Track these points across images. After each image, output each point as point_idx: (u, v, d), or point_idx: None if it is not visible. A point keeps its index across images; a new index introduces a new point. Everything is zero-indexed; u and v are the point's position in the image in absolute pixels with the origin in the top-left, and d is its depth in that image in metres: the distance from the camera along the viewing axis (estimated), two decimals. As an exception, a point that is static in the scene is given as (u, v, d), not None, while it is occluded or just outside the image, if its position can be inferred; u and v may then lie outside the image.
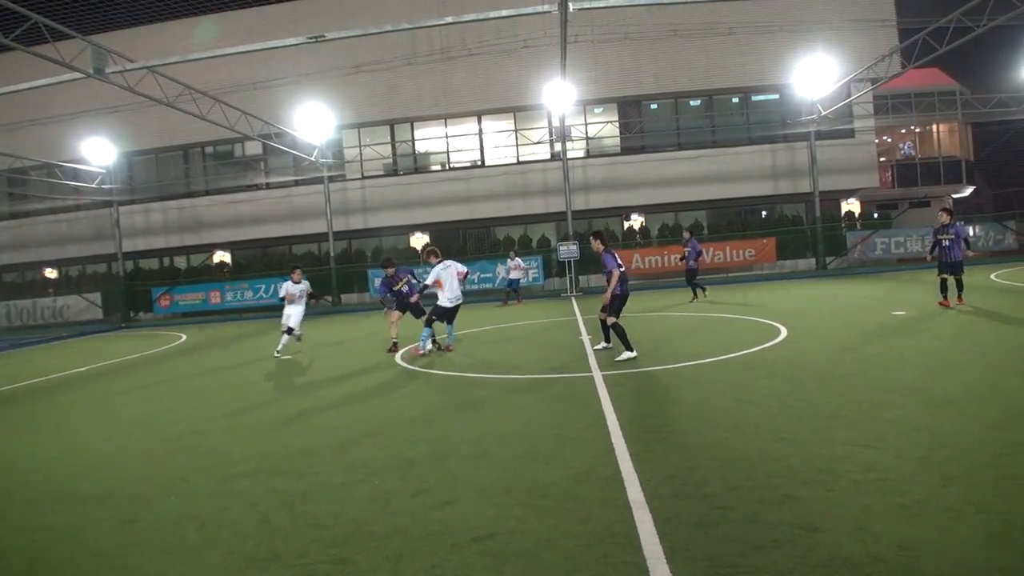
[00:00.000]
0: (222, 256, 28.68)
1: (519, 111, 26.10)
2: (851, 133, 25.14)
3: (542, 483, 4.44)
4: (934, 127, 32.07)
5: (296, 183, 27.26)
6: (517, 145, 26.50)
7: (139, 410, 8.37)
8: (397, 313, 11.55)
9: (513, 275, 20.55)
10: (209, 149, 28.82)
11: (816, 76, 21.32)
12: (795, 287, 19.03)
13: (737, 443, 4.97)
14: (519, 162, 26.36)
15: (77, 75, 15.02)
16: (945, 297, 11.82)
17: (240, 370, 11.27)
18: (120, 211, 28.63)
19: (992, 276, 17.61)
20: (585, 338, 11.39)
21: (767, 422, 5.48)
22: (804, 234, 24.44)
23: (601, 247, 9.52)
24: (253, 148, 27.99)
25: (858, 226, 25.35)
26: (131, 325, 26.02)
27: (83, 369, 13.18)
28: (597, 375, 7.93)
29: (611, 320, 9.16)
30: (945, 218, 12.05)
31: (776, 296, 16.64)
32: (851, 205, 26.53)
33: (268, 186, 28.03)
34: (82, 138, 25.06)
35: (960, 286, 11.86)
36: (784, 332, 10.27)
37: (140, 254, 29.37)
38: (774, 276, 23.13)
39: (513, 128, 26.54)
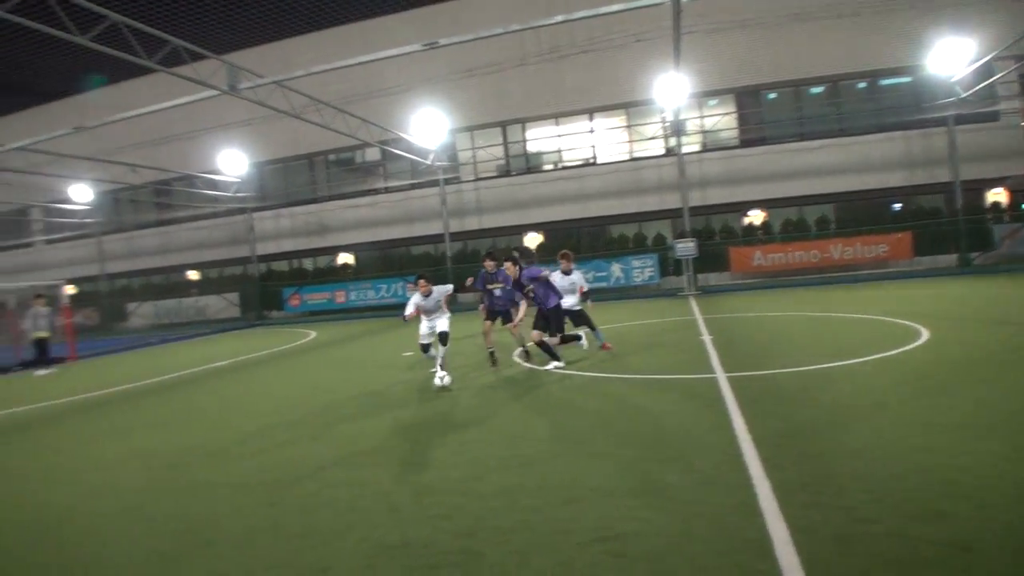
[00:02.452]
0: (345, 258, 30.00)
1: (631, 107, 25.71)
2: (996, 116, 23.11)
3: (668, 486, 4.35)
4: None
5: (413, 186, 28.15)
6: (630, 141, 26.14)
7: (274, 402, 8.80)
8: (488, 323, 10.30)
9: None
10: (332, 156, 30.23)
11: (953, 55, 19.74)
12: (935, 285, 17.76)
13: (877, 452, 4.68)
14: (632, 159, 25.98)
15: (213, 92, 16.10)
16: None
17: (368, 364, 11.71)
18: (253, 217, 30.66)
19: None
20: (706, 338, 11.07)
21: (910, 430, 5.14)
22: (944, 228, 22.71)
23: (515, 268, 9.73)
24: (372, 154, 29.13)
25: (1006, 218, 23.30)
26: (265, 323, 27.77)
27: (224, 363, 14.15)
28: (721, 376, 7.69)
29: (552, 340, 9.35)
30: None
31: (914, 295, 15.60)
32: (998, 195, 24.43)
33: (387, 190, 29.08)
34: (218, 150, 26.97)
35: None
36: (925, 334, 9.59)
37: (271, 257, 31.28)
38: (910, 274, 21.64)
39: (625, 124, 26.20)
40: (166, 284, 33.67)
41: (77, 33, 11.95)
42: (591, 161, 26.53)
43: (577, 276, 10.55)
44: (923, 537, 3.34)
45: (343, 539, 3.99)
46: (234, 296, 30.41)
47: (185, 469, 5.92)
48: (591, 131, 26.46)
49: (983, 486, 3.92)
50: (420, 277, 9.43)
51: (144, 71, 15.15)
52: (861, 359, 8.10)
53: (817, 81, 24.65)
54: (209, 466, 5.96)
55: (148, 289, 33.84)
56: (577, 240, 26.45)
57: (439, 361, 8.87)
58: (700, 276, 23.17)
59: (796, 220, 24.24)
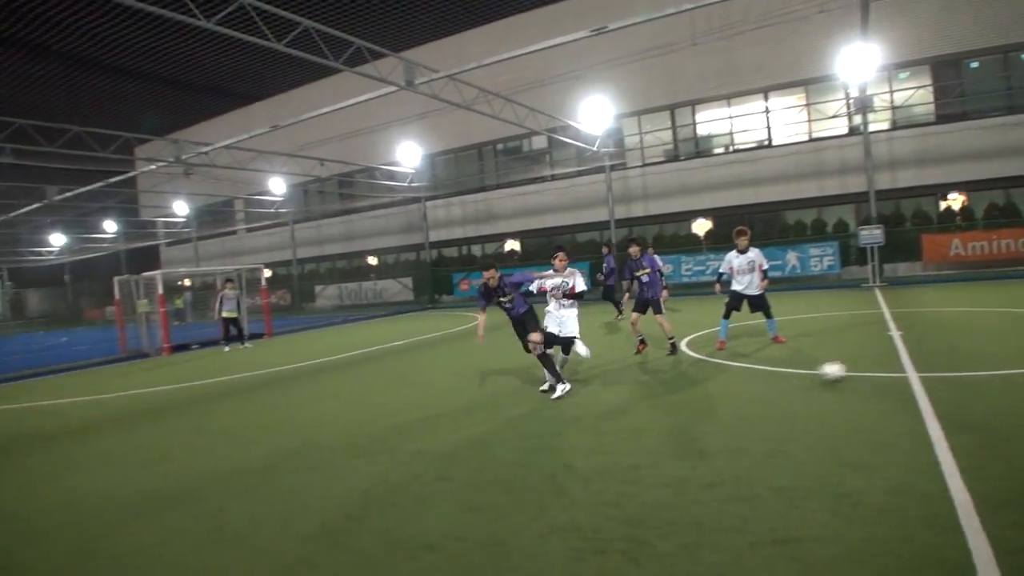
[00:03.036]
0: (512, 244, 30.85)
1: (811, 84, 24.17)
2: None
3: (851, 491, 4.11)
4: None
5: (579, 173, 28.32)
6: (809, 121, 24.67)
7: (448, 380, 9.26)
8: (636, 313, 10.18)
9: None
10: (500, 146, 31.09)
11: None
12: None
13: None
14: (811, 139, 24.49)
15: (392, 88, 17.10)
16: None
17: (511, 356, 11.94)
18: (426, 205, 32.30)
19: None
20: (895, 334, 10.28)
21: None
22: None
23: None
24: (539, 143, 29.63)
25: None
26: (437, 306, 29.26)
27: (402, 342, 15.10)
28: (913, 376, 7.11)
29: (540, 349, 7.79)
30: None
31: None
32: None
33: (553, 177, 29.48)
34: (395, 143, 28.57)
35: None
36: None
37: (443, 243, 32.85)
38: None
39: (804, 103, 24.75)
40: (349, 268, 36.38)
41: (274, 40, 13.18)
42: (765, 143, 25.34)
43: (755, 254, 9.99)
44: None
45: (512, 518, 4.15)
46: (408, 280, 32.33)
47: (367, 436, 6.39)
48: (766, 111, 25.26)
49: None
50: (559, 249, 8.32)
51: (330, 71, 16.50)
52: None
53: (1030, 46, 21.93)
54: (396, 437, 6.39)
55: (333, 273, 36.82)
56: (749, 226, 25.40)
57: (558, 367, 7.89)
58: (887, 266, 21.51)
59: (1003, 204, 21.74)
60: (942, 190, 22.69)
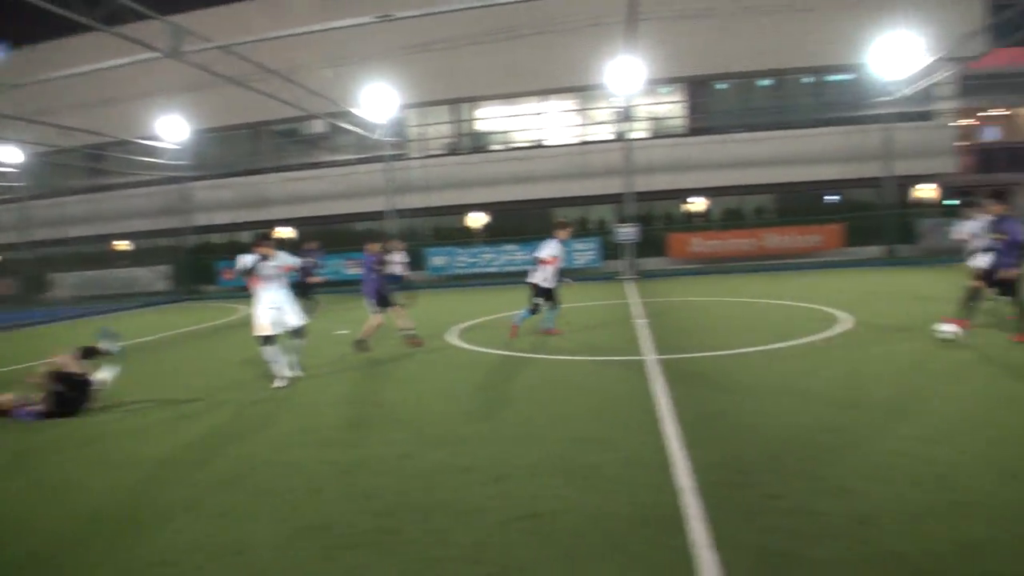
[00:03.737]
0: (285, 232, 29.30)
1: (583, 91, 25.76)
2: (929, 116, 23.95)
3: (592, 465, 4.44)
4: (1022, 111, 30.28)
5: (358, 161, 27.64)
6: (580, 125, 26.21)
7: (199, 379, 8.57)
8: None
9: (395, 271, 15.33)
10: (276, 127, 29.50)
11: (896, 55, 20.30)
12: (863, 275, 18.29)
13: (791, 433, 4.88)
14: (581, 142, 26.07)
15: (155, 54, 15.48)
16: None
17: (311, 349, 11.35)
18: (190, 186, 29.67)
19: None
20: (641, 321, 11.21)
21: (823, 412, 5.36)
22: (874, 220, 23.42)
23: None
24: (319, 127, 28.52)
25: (933, 213, 24.18)
26: (196, 297, 26.88)
27: (152, 337, 13.66)
28: (651, 359, 7.82)
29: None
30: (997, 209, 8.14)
31: (842, 284, 16.03)
32: (927, 191, 25.32)
33: (332, 164, 28.51)
34: (157, 116, 25.90)
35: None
36: (847, 321, 9.88)
37: (208, 228, 30.33)
38: (841, 263, 22.25)
39: (576, 108, 26.25)
40: (95, 254, 32.30)
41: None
42: (540, 143, 26.51)
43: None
44: (827, 512, 3.51)
45: (262, 519, 3.94)
46: (166, 268, 29.33)
47: (106, 447, 5.80)
48: (542, 113, 26.43)
49: (887, 464, 4.13)
50: (263, 237, 7.74)
51: (83, 28, 14.42)
52: (786, 343, 8.36)
53: (765, 74, 25.17)
54: (130, 444, 5.85)
55: (74, 259, 32.36)
56: (522, 221, 26.43)
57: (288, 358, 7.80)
58: (640, 261, 23.39)
59: (735, 208, 24.71)
60: (687, 194, 25.20)
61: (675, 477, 4.09)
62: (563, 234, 10.01)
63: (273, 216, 28.97)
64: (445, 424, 5.69)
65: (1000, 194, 8.17)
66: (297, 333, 7.85)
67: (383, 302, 9.80)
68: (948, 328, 7.75)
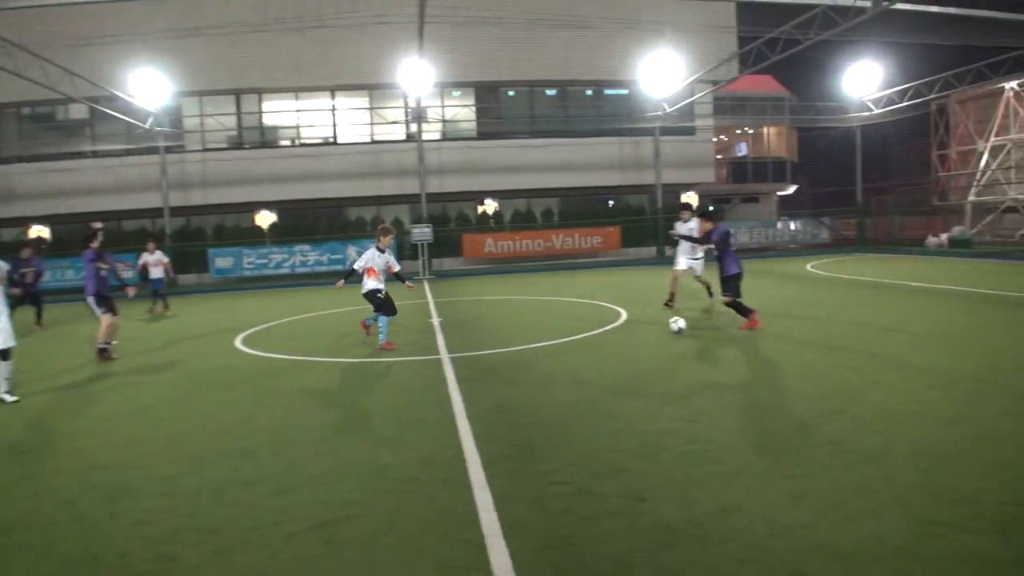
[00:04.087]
0: (39, 231, 25.92)
1: (375, 89, 25.45)
2: (692, 131, 26.67)
3: (384, 467, 4.42)
4: (765, 130, 34.71)
5: (127, 152, 25.03)
6: (372, 124, 25.89)
7: None
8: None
9: (154, 273, 15.57)
10: (26, 110, 25.88)
11: (663, 74, 22.35)
12: (637, 274, 19.96)
13: (574, 421, 5.19)
14: (373, 141, 25.76)
15: None
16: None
17: (66, 356, 10.22)
18: (-87, 175, 25.22)
19: (808, 267, 19.33)
20: (436, 321, 11.39)
21: (603, 400, 5.77)
22: (647, 224, 25.66)
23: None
24: (78, 112, 25.44)
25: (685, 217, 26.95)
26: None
27: None
28: (445, 357, 7.98)
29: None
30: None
31: (618, 282, 17.37)
32: (689, 198, 28.20)
33: (95, 154, 25.56)
34: None
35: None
36: (624, 315, 10.75)
37: (-64, 225, 25.97)
38: (618, 263, 24.12)
39: (368, 107, 25.91)
40: None
41: None
42: (331, 140, 25.84)
43: (389, 253, 9.16)
44: (606, 492, 3.78)
45: (12, 560, 3.44)
46: None
47: None
48: (332, 109, 25.77)
49: (658, 444, 4.55)
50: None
51: None
52: (570, 338, 8.91)
53: (550, 84, 26.50)
54: None
55: None
56: (313, 221, 25.63)
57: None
58: (435, 261, 23.67)
59: (525, 211, 25.84)
60: (480, 196, 25.92)
61: (468, 471, 4.18)
62: (385, 240, 9.10)
63: (23, 212, 25.41)
64: (228, 437, 5.35)
65: (706, 211, 10.11)
66: (3, 355, 6.87)
67: (104, 302, 9.24)
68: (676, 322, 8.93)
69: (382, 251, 9.03)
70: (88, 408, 6.61)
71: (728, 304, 9.00)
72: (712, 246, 9.15)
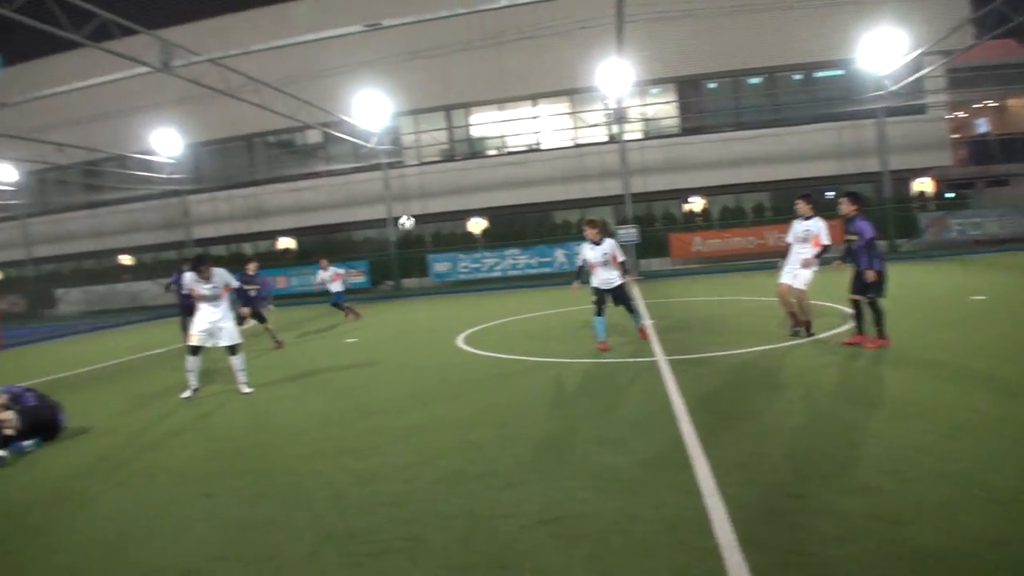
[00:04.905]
0: (287, 242, 29.41)
1: (575, 94, 25.88)
2: (922, 109, 24.10)
3: (609, 468, 4.43)
4: (1012, 102, 30.51)
5: (355, 170, 27.72)
6: (575, 128, 26.35)
7: (215, 387, 8.46)
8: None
9: (333, 287, 16.35)
10: (271, 138, 29.57)
11: (884, 50, 20.46)
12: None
13: (808, 431, 4.90)
14: (576, 145, 26.19)
15: (145, 69, 15.57)
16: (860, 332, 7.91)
17: (315, 353, 11.45)
18: (188, 200, 29.75)
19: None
20: (647, 323, 11.24)
21: (839, 409, 5.40)
22: (873, 216, 23.56)
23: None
24: (313, 136, 28.60)
25: (931, 207, 24.39)
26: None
27: (161, 351, 13.75)
28: (661, 360, 7.86)
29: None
30: (848, 208, 8.12)
31: (844, 280, 16.15)
32: (924, 184, 25.54)
33: (328, 173, 28.57)
34: (151, 130, 25.98)
35: (877, 316, 7.69)
36: (848, 318, 9.96)
37: (209, 241, 30.36)
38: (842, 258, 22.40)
39: (569, 111, 26.39)
40: (98, 269, 32.38)
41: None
42: (535, 147, 26.64)
43: (608, 246, 9.01)
44: (853, 511, 3.49)
45: (286, 529, 3.95)
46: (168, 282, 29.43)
47: (121, 457, 5.75)
48: (535, 117, 26.56)
49: (909, 460, 4.12)
50: (200, 260, 8.09)
51: (72, 45, 14.61)
52: (795, 341, 8.39)
53: (755, 72, 25.30)
54: (147, 455, 5.81)
55: (79, 274, 32.45)
56: (521, 226, 26.56)
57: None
58: (642, 262, 23.55)
59: (734, 207, 24.87)
60: (685, 194, 25.37)
61: (696, 478, 4.09)
62: (590, 233, 9.04)
63: (273, 227, 29.16)
64: (457, 431, 5.68)
65: (854, 194, 8.08)
66: (231, 350, 8.11)
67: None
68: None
69: (596, 243, 8.95)
70: (333, 400, 7.29)
71: (863, 304, 7.74)
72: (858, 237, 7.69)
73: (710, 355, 7.99)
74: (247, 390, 8.13)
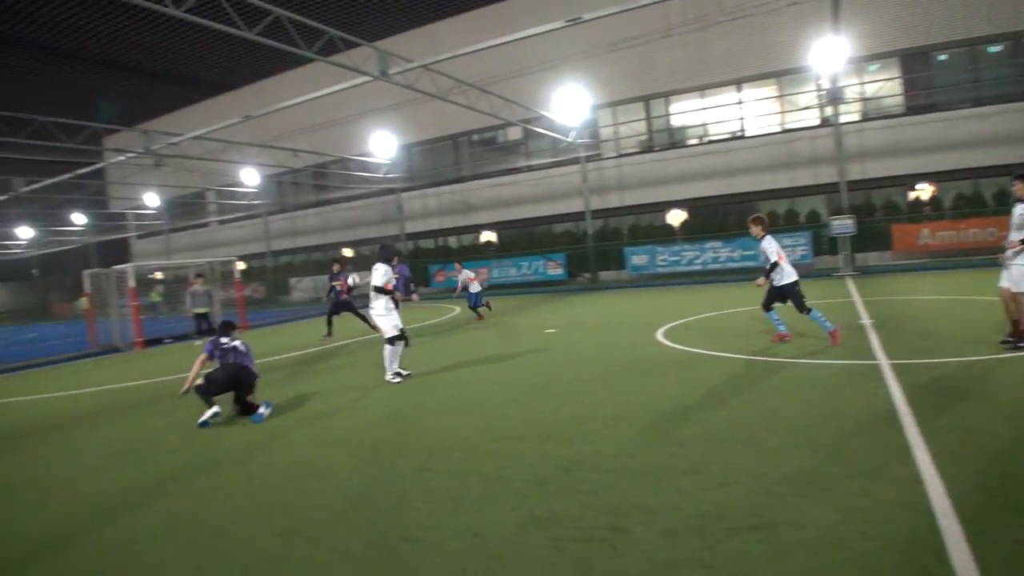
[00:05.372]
0: (488, 236, 30.81)
1: (783, 76, 24.41)
2: None
3: (825, 476, 4.17)
4: None
5: (554, 164, 28.36)
6: (782, 112, 24.93)
7: (428, 371, 9.14)
8: None
9: (472, 288, 16.35)
10: (475, 136, 31.00)
11: None
12: None
13: None
14: (784, 131, 24.76)
15: (366, 78, 16.96)
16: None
17: (511, 342, 11.82)
18: (401, 197, 32.11)
19: None
20: (866, 322, 10.48)
21: None
22: None
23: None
24: (514, 133, 29.61)
25: None
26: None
27: (375, 335, 14.91)
28: (884, 363, 7.23)
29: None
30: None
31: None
32: None
33: (528, 168, 29.47)
34: (369, 134, 28.33)
35: None
36: None
37: (418, 235, 32.72)
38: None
39: (776, 94, 25.00)
40: (324, 260, 36.00)
41: (246, 29, 12.97)
42: (739, 134, 25.56)
43: (766, 243, 9.09)
44: None
45: (493, 507, 4.17)
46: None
47: (349, 431, 6.36)
48: (739, 103, 25.48)
49: None
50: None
51: (303, 60, 16.49)
52: None
53: (996, 39, 22.31)
54: (377, 430, 6.36)
55: (308, 265, 36.43)
56: (723, 217, 25.69)
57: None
58: (858, 255, 21.87)
59: (970, 195, 22.22)
60: (911, 180, 23.06)
61: (928, 495, 3.72)
62: (756, 230, 9.21)
63: (477, 221, 30.71)
64: (662, 425, 5.62)
65: None
66: (390, 341, 8.86)
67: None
68: None
69: (758, 240, 9.14)
70: (533, 388, 7.47)
71: None
72: None
73: (942, 360, 7.23)
74: (395, 379, 8.82)
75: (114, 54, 29.58)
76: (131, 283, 17.38)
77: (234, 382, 7.37)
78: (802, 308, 8.95)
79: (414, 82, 18.16)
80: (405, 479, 4.88)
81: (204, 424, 7.07)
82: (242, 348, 7.60)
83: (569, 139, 25.58)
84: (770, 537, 3.43)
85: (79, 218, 40.36)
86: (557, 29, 16.11)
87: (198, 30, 25.33)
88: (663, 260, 24.30)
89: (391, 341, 8.82)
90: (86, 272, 19.18)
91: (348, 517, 4.26)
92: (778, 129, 24.81)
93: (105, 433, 7.52)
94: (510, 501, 4.24)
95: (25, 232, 41.88)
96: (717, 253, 23.35)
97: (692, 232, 25.15)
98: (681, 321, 12.56)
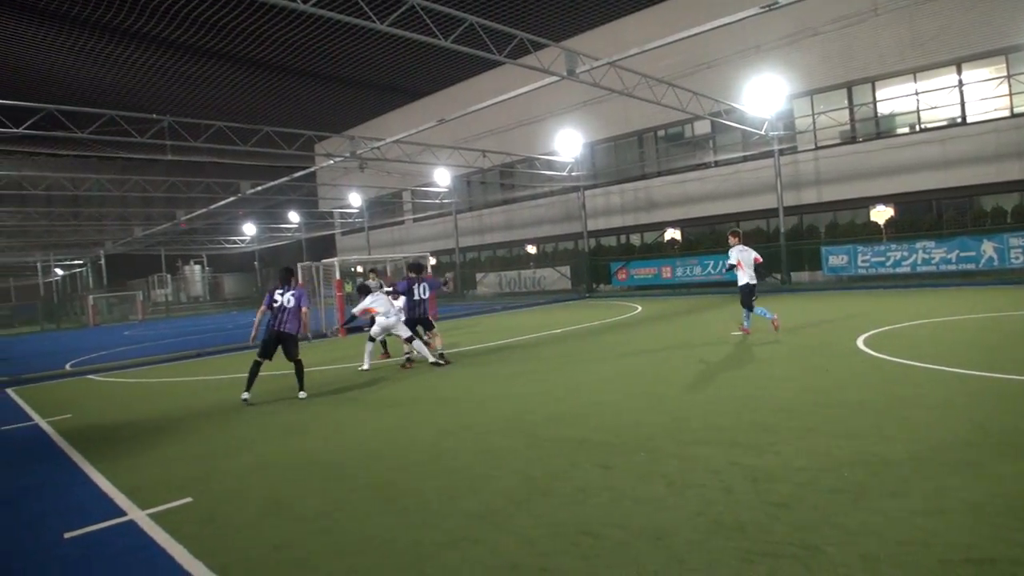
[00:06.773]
0: (672, 233, 30.20)
1: (1011, 52, 21.53)
2: None
3: None
4: None
5: (744, 159, 27.16)
6: (1010, 95, 22.02)
7: (609, 369, 9.26)
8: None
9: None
10: (661, 132, 30.49)
11: None
12: None
13: None
14: (1013, 115, 21.88)
15: (553, 78, 17.24)
16: None
17: (694, 342, 11.59)
18: (585, 194, 32.37)
19: None
20: None
21: None
22: None
23: None
24: (701, 128, 28.72)
25: None
26: (593, 295, 29.28)
27: (559, 331, 15.26)
28: None
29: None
30: None
31: None
32: None
33: (716, 164, 28.49)
34: (554, 133, 28.85)
35: None
36: None
37: (601, 232, 32.80)
38: None
39: (1005, 74, 22.12)
40: (509, 257, 37.29)
41: (441, 38, 13.71)
42: (957, 121, 22.97)
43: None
44: None
45: (678, 510, 4.11)
46: (566, 269, 32.61)
47: (529, 422, 6.52)
48: (958, 85, 22.87)
49: None
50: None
51: (493, 64, 17.14)
52: None
53: None
54: (556, 424, 6.51)
55: (493, 261, 37.92)
56: (937, 213, 23.24)
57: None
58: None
59: None
60: None
61: None
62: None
63: (661, 218, 30.25)
64: (859, 441, 5.19)
65: None
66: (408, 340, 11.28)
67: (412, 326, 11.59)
68: None
69: None
70: (718, 393, 7.23)
71: None
72: None
73: None
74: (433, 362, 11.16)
75: (326, 68, 32.54)
76: (336, 275, 19.10)
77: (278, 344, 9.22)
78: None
79: (600, 79, 18.25)
80: (587, 474, 4.95)
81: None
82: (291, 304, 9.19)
83: (762, 132, 24.38)
84: (990, 572, 3.10)
85: (294, 216, 45.14)
86: (750, 17, 15.44)
87: (399, 41, 27.24)
88: (865, 261, 22.44)
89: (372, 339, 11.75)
90: (299, 264, 21.33)
91: (529, 506, 4.39)
92: (1006, 113, 21.97)
93: (312, 410, 8.33)
94: (694, 506, 4.16)
95: (249, 229, 47.89)
96: (930, 254, 21.13)
97: (900, 230, 23.00)
98: (887, 327, 11.58)
